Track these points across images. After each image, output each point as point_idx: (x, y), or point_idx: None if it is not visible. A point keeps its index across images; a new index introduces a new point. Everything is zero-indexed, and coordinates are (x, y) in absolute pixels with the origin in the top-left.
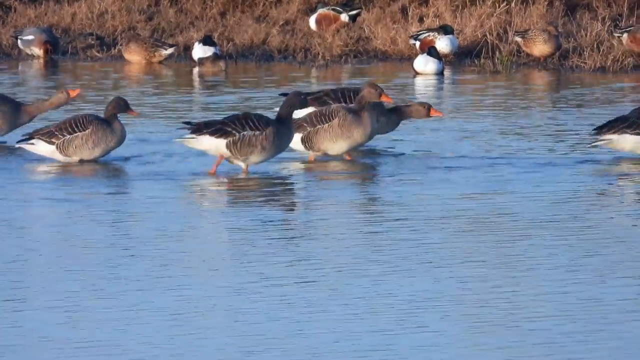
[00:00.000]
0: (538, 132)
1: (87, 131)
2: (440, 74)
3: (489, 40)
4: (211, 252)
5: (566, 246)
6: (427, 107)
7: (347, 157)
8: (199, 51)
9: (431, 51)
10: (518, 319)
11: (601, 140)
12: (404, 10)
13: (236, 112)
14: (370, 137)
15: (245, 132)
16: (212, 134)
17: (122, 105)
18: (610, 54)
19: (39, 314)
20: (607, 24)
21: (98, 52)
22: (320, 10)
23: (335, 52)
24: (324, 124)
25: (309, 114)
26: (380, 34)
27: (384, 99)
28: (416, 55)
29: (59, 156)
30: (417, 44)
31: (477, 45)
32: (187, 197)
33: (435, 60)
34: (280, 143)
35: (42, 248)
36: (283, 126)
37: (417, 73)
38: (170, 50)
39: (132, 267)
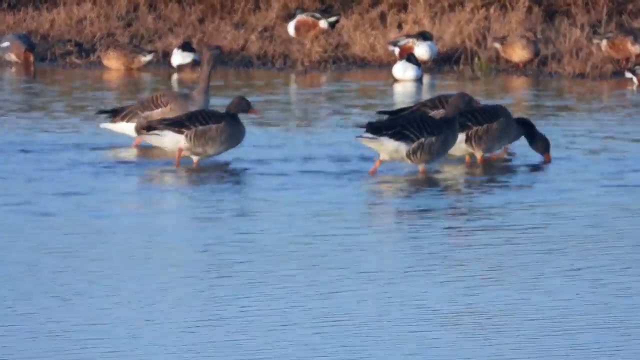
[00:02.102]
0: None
1: (220, 124)
2: (419, 80)
3: (467, 47)
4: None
5: None
6: (543, 150)
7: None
8: (178, 57)
9: (410, 58)
10: None
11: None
12: (382, 17)
13: (411, 112)
14: None
15: (423, 140)
16: (391, 136)
17: (244, 105)
18: (589, 61)
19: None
20: (586, 30)
21: (77, 58)
22: (299, 17)
23: (314, 58)
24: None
25: (473, 113)
26: (359, 41)
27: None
28: (395, 61)
29: (185, 146)
30: (397, 50)
31: (456, 52)
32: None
33: (414, 66)
34: (450, 147)
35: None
36: (452, 129)
37: (396, 80)
38: (149, 57)
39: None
